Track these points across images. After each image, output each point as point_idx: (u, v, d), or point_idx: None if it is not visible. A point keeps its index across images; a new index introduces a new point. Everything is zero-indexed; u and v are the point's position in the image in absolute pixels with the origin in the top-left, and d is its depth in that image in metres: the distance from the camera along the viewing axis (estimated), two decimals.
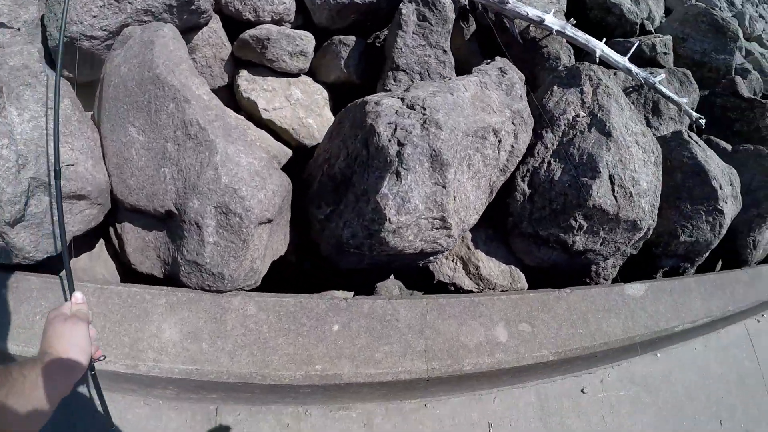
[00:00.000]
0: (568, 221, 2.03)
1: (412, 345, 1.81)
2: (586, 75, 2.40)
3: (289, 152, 2.44)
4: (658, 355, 2.98)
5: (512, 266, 2.21)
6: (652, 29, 4.49)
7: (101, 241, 1.98)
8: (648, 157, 2.35)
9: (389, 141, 1.79)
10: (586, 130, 2.15)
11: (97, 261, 1.93)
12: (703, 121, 3.32)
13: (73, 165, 1.61)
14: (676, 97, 3.16)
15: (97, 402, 1.38)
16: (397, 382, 1.78)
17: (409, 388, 1.90)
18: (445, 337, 1.84)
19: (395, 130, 1.80)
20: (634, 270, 2.61)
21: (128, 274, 1.90)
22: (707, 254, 2.91)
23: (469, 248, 2.12)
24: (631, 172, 2.11)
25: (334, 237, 1.93)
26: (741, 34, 4.77)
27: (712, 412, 3.07)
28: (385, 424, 1.98)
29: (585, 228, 2.06)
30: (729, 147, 3.66)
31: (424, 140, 1.76)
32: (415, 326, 1.83)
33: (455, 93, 2.02)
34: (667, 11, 5.37)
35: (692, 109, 3.50)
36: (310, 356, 1.68)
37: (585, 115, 2.21)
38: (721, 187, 2.81)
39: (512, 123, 2.01)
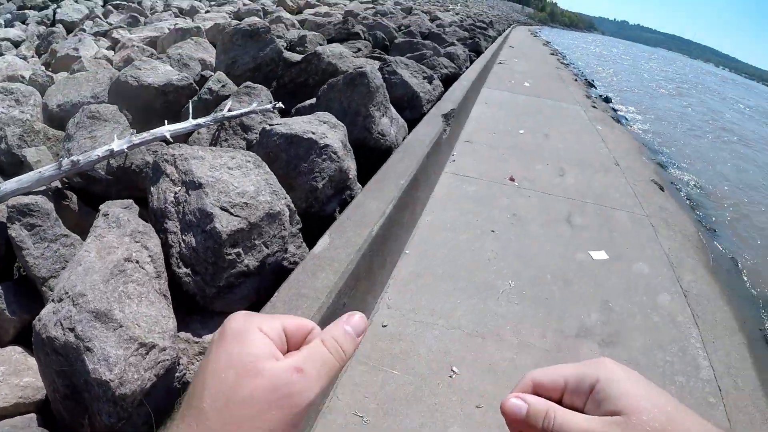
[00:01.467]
0: (226, 258, 2.64)
1: None
2: (162, 160, 3.04)
3: (33, 414, 2.58)
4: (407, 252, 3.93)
5: None
6: (211, 72, 5.46)
7: None
8: (245, 168, 3.13)
9: (64, 336, 2.18)
10: (188, 196, 2.80)
11: None
12: (278, 104, 4.32)
13: None
14: (247, 109, 4.06)
15: None
16: None
17: None
18: None
19: (62, 326, 2.20)
20: (316, 231, 3.31)
21: None
22: (352, 174, 3.89)
23: (197, 342, 2.59)
24: (234, 190, 2.84)
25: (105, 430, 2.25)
26: (271, 28, 6.05)
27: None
28: None
29: (241, 251, 2.71)
30: (314, 100, 4.81)
31: (81, 313, 2.20)
32: None
33: (83, 261, 2.47)
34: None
35: (269, 101, 4.49)
36: None
37: (180, 188, 2.86)
38: (314, 132, 3.78)
39: (135, 241, 2.56)
